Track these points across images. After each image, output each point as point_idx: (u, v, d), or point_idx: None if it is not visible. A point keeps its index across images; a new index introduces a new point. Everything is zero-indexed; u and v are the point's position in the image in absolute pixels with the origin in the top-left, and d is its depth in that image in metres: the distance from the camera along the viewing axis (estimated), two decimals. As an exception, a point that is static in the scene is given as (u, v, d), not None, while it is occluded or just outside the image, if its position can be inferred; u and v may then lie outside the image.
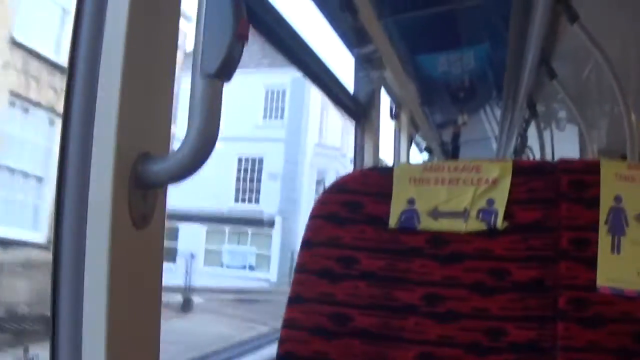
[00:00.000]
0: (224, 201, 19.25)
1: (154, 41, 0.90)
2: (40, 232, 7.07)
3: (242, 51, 0.85)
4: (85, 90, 0.86)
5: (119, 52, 0.84)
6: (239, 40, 0.83)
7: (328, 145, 19.71)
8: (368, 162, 2.65)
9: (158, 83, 0.92)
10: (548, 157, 3.37)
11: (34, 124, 7.58)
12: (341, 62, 2.81)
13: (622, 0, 2.03)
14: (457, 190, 0.95)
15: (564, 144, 3.32)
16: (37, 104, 7.38)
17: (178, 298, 12.32)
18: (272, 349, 0.98)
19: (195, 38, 0.83)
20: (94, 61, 0.86)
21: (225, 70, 0.83)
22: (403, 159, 3.55)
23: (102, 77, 0.85)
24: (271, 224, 19.19)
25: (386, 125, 3.40)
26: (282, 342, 0.96)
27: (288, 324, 0.96)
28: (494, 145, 5.25)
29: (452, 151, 4.81)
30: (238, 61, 0.85)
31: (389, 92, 3.23)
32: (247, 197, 19.93)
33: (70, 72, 0.88)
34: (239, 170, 19.99)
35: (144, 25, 0.87)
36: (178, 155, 0.84)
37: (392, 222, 0.95)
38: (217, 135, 0.85)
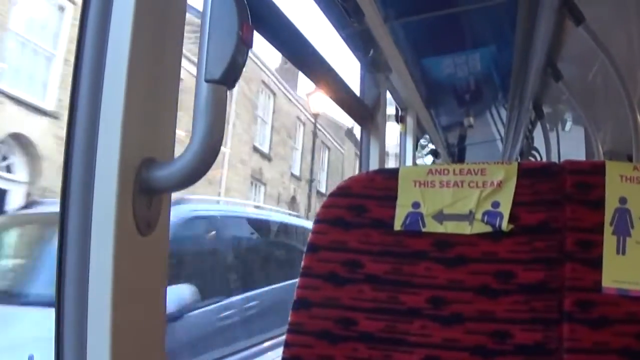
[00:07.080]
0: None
1: (159, 47, 0.91)
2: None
3: (246, 56, 0.85)
4: (90, 96, 0.86)
5: (124, 58, 0.84)
6: (244, 45, 0.83)
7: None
8: (373, 165, 2.64)
9: (162, 89, 0.92)
10: (554, 158, 3.35)
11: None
12: (347, 65, 2.82)
13: (627, 2, 2.02)
14: (462, 193, 0.95)
15: (570, 146, 3.31)
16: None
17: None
18: (278, 353, 0.98)
19: (200, 43, 0.83)
20: (99, 66, 0.86)
21: (230, 75, 0.83)
22: (409, 162, 3.54)
23: (107, 82, 0.85)
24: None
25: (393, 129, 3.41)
26: (287, 346, 0.96)
27: (293, 328, 0.96)
28: (500, 147, 5.24)
29: (458, 153, 4.81)
30: (242, 67, 0.85)
31: (395, 95, 3.23)
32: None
33: (75, 78, 0.88)
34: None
35: (148, 31, 0.88)
36: (182, 161, 0.84)
37: (397, 225, 0.95)
38: (221, 140, 0.85)
